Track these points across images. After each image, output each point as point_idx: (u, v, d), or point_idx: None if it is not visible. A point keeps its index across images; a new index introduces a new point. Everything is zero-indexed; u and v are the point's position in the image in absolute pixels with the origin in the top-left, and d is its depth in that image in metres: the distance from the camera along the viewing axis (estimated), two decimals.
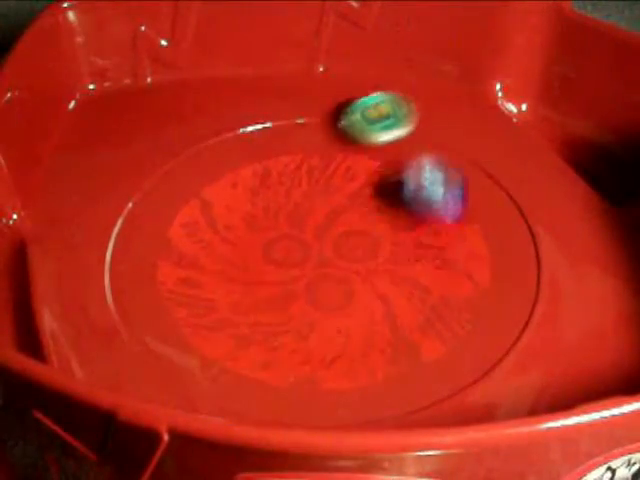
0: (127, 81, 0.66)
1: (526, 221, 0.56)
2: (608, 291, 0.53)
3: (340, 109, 0.61)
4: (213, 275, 0.53)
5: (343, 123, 0.59)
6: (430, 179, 0.54)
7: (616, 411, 0.37)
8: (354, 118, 0.59)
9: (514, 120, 0.66)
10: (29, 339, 0.49)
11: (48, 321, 0.49)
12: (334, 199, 0.58)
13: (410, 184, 0.55)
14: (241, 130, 0.62)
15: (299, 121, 0.63)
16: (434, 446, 0.36)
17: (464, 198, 0.55)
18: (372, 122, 0.58)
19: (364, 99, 0.60)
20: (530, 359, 0.49)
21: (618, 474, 0.40)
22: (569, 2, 0.64)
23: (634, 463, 0.40)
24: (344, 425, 0.46)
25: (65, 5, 0.63)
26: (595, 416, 0.37)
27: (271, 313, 0.51)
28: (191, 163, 0.60)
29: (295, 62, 0.67)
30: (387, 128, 0.58)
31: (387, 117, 0.58)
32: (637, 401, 0.37)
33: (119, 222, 0.55)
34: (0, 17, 0.76)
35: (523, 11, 0.65)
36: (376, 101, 0.59)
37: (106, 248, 0.54)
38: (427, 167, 0.55)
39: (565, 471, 0.39)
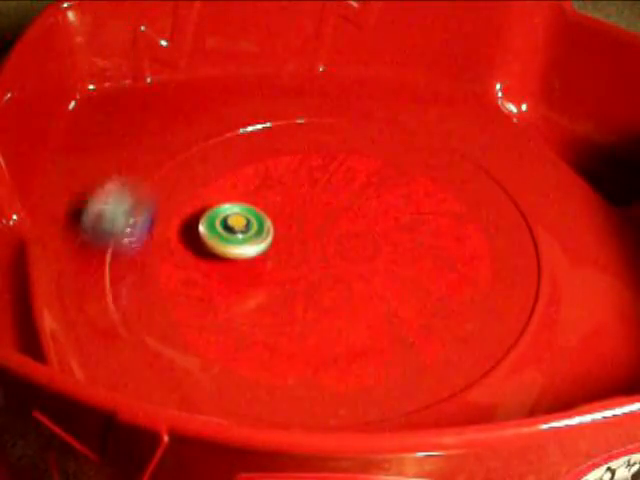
0: (127, 81, 0.66)
1: (526, 221, 0.57)
2: (608, 291, 0.53)
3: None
4: (213, 276, 0.53)
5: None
6: (112, 208, 0.51)
7: (616, 411, 0.37)
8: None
9: (514, 120, 0.66)
10: (29, 339, 0.49)
11: (48, 321, 0.49)
12: (334, 199, 0.58)
13: (90, 213, 0.52)
14: (241, 130, 0.62)
15: (299, 121, 0.63)
16: (434, 446, 0.36)
17: (150, 226, 0.53)
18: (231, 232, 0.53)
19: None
20: (530, 359, 0.49)
21: (618, 474, 0.40)
22: (569, 2, 0.64)
23: (634, 463, 0.40)
24: (344, 425, 0.46)
25: (65, 5, 0.62)
26: (595, 416, 0.37)
27: (271, 313, 0.51)
28: (191, 163, 0.60)
29: (295, 62, 0.67)
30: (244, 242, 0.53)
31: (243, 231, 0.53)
32: (637, 401, 0.37)
33: None
34: (0, 17, 0.76)
35: (523, 11, 0.65)
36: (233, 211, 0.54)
37: (106, 248, 0.54)
38: (111, 194, 0.52)
39: (565, 471, 0.39)
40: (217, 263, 0.54)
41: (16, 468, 0.44)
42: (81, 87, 0.65)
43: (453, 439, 0.36)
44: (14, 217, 0.55)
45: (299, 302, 0.52)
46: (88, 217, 0.52)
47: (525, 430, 0.37)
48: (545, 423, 0.37)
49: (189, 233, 0.55)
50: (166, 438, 0.36)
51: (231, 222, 0.53)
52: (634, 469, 0.41)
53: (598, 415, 0.37)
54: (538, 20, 0.64)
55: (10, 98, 0.56)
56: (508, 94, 0.66)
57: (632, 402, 0.37)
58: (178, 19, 0.64)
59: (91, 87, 0.65)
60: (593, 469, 0.39)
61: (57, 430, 0.38)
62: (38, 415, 0.38)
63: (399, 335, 0.50)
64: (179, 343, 0.50)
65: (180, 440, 0.36)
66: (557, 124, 0.65)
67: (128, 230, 0.52)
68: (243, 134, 0.62)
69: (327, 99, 0.65)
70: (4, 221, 0.54)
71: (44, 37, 0.61)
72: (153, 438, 0.36)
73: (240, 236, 0.52)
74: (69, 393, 0.37)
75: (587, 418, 0.37)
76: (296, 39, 0.66)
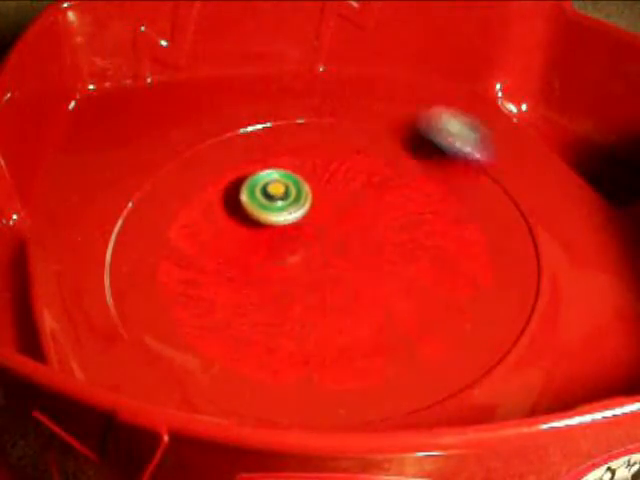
0: (127, 81, 0.66)
1: (526, 221, 0.57)
2: (608, 291, 0.53)
3: None
4: (213, 275, 0.53)
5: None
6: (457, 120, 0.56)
7: (616, 411, 0.37)
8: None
9: (514, 120, 0.66)
10: (29, 339, 0.49)
11: (48, 321, 0.49)
12: (334, 199, 0.58)
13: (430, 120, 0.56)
14: (241, 130, 0.62)
15: (299, 121, 0.63)
16: (434, 446, 0.36)
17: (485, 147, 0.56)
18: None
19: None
20: (530, 359, 0.49)
21: (618, 474, 0.40)
22: (569, 2, 0.64)
23: (634, 463, 0.40)
24: (344, 425, 0.46)
25: (65, 5, 0.62)
26: (595, 416, 0.37)
27: (271, 313, 0.51)
28: (191, 163, 0.60)
29: (295, 62, 0.67)
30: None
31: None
32: (637, 401, 0.37)
33: (119, 222, 0.55)
34: (0, 17, 0.76)
35: (523, 11, 0.65)
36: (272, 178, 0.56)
37: (106, 248, 0.54)
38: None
39: (565, 471, 0.39)
40: (217, 263, 0.54)
41: (16, 468, 0.44)
42: (81, 87, 0.65)
43: (453, 439, 0.36)
44: (14, 217, 0.55)
45: (299, 302, 0.52)
46: (430, 120, 0.57)
47: (525, 430, 0.37)
48: (545, 423, 0.37)
49: (190, 233, 0.55)
50: (166, 438, 0.36)
51: (271, 189, 0.54)
52: (634, 469, 0.41)
53: (598, 415, 0.37)
54: (538, 20, 0.64)
55: (10, 98, 0.56)
56: (508, 94, 0.66)
57: (632, 402, 0.37)
58: (178, 19, 0.64)
59: (91, 87, 0.65)
60: (593, 469, 0.39)
61: (57, 430, 0.38)
62: (38, 415, 0.38)
63: (399, 335, 0.50)
64: (179, 343, 0.50)
65: (180, 440, 0.36)
66: (557, 124, 0.65)
67: (472, 139, 0.56)
68: (243, 134, 0.62)
69: (327, 99, 0.65)
70: (4, 221, 0.54)
71: (44, 37, 0.61)
72: (153, 438, 0.36)
73: (279, 203, 0.54)
74: (69, 393, 0.37)
75: (587, 418, 0.37)
76: (296, 39, 0.66)
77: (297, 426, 0.45)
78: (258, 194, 0.54)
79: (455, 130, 0.57)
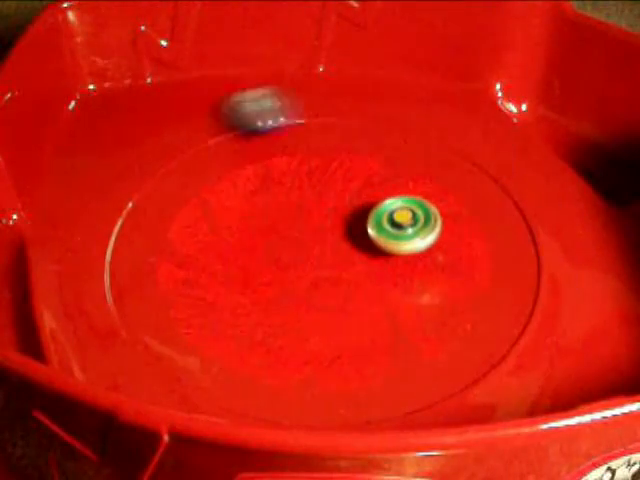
0: (127, 81, 0.66)
1: (526, 221, 0.56)
2: (608, 291, 0.53)
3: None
4: (213, 276, 0.53)
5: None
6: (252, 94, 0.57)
7: (616, 411, 0.37)
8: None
9: (514, 120, 0.66)
10: (29, 339, 0.49)
11: (48, 321, 0.49)
12: (334, 199, 0.58)
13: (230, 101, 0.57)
14: None
15: (299, 121, 0.63)
16: (434, 446, 0.36)
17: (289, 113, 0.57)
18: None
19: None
20: (530, 359, 0.49)
21: (618, 474, 0.40)
22: (569, 2, 0.64)
23: (634, 463, 0.40)
24: (344, 425, 0.46)
25: (65, 5, 0.63)
26: (595, 416, 0.37)
27: (271, 313, 0.51)
28: (191, 163, 0.60)
29: (295, 62, 0.67)
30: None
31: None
32: (637, 401, 0.37)
33: (119, 222, 0.55)
34: (0, 17, 0.76)
35: (523, 11, 0.65)
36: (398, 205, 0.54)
37: (106, 248, 0.54)
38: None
39: (565, 471, 0.39)
40: (217, 263, 0.54)
41: (16, 468, 0.44)
42: (81, 87, 0.65)
43: (453, 439, 0.36)
44: (14, 217, 0.55)
45: (299, 302, 0.52)
46: (229, 103, 0.56)
47: (525, 430, 0.37)
48: (545, 423, 0.37)
49: (190, 233, 0.55)
50: (166, 438, 0.36)
51: (398, 218, 0.53)
52: (634, 469, 0.41)
53: (598, 415, 0.37)
54: (538, 20, 0.64)
55: (10, 98, 0.56)
56: (508, 94, 0.66)
57: (632, 402, 0.37)
58: (178, 19, 0.64)
59: (91, 87, 0.65)
60: (593, 469, 0.39)
61: (57, 430, 0.38)
62: (38, 415, 0.38)
63: (399, 335, 0.50)
64: (179, 343, 0.50)
65: (180, 440, 0.36)
66: (557, 124, 0.65)
67: (269, 110, 0.56)
68: (243, 134, 0.62)
69: (327, 99, 0.64)
70: (4, 221, 0.54)
71: (44, 37, 0.61)
72: (153, 438, 0.36)
73: (410, 230, 0.52)
74: (69, 393, 0.37)
75: (587, 418, 0.37)
76: (296, 39, 0.66)
77: (297, 426, 0.45)
78: (386, 224, 0.53)
79: (252, 109, 0.57)
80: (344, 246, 0.55)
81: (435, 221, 0.53)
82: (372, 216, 0.53)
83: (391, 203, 0.54)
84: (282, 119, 0.58)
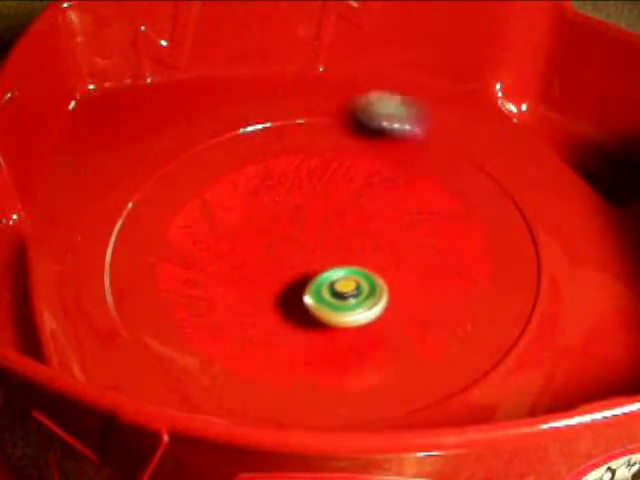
0: (127, 81, 0.66)
1: (526, 221, 0.56)
2: (608, 291, 0.53)
3: None
4: (213, 275, 0.53)
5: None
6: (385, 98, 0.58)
7: (616, 411, 0.37)
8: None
9: (514, 120, 0.66)
10: (29, 339, 0.49)
11: (48, 321, 0.49)
12: (334, 199, 0.58)
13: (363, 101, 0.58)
14: (241, 130, 0.62)
15: (299, 121, 0.63)
16: (434, 446, 0.36)
17: (422, 120, 0.58)
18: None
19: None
20: (530, 359, 0.49)
21: (618, 474, 0.40)
22: (569, 2, 0.64)
23: (634, 463, 0.40)
24: (344, 425, 0.46)
25: (65, 5, 0.63)
26: (595, 416, 0.37)
27: (271, 313, 0.51)
28: (191, 163, 0.60)
29: (295, 62, 0.67)
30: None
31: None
32: (637, 401, 0.37)
33: (119, 222, 0.55)
34: (0, 17, 0.76)
35: (523, 11, 0.65)
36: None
37: (106, 248, 0.54)
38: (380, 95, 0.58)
39: (565, 471, 0.39)
40: (217, 263, 0.54)
41: (16, 468, 0.45)
42: (81, 87, 0.65)
43: (453, 439, 0.36)
44: (14, 217, 0.55)
45: (299, 302, 0.52)
46: (362, 104, 0.58)
47: (525, 430, 0.37)
48: (545, 423, 0.37)
49: (190, 233, 0.55)
50: (166, 438, 0.36)
51: (339, 287, 0.49)
52: (634, 469, 0.41)
53: (598, 415, 0.37)
54: (538, 20, 0.64)
55: (10, 98, 0.56)
56: (508, 94, 0.66)
57: (632, 402, 0.37)
58: (178, 19, 0.64)
59: (91, 87, 0.65)
60: (593, 469, 0.39)
61: (57, 430, 0.38)
62: (38, 415, 0.38)
63: (399, 335, 0.50)
64: (179, 343, 0.50)
65: (180, 440, 0.36)
66: (557, 124, 0.65)
67: (401, 116, 0.57)
68: (243, 134, 0.62)
69: (327, 99, 0.65)
70: (4, 221, 0.54)
71: (44, 37, 0.61)
72: (153, 438, 0.36)
73: (352, 301, 0.49)
74: (69, 393, 0.37)
75: (587, 418, 0.37)
76: (296, 39, 0.66)
77: (297, 426, 0.45)
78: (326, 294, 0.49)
79: (388, 111, 0.59)
80: (345, 246, 0.55)
81: (381, 292, 0.49)
82: (311, 286, 0.50)
83: (333, 273, 0.50)
84: (408, 126, 0.59)
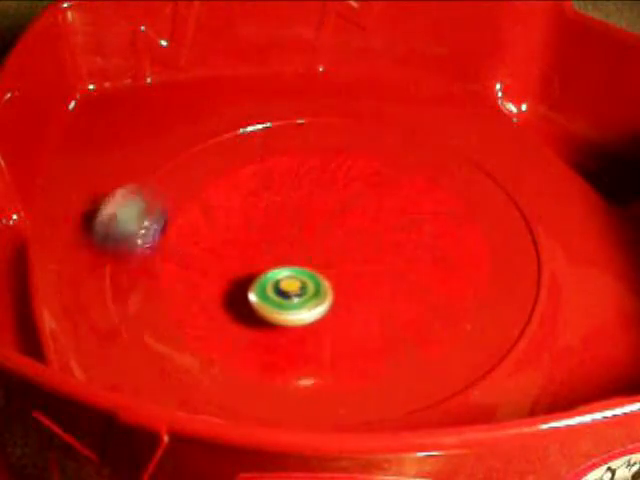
0: (127, 81, 0.66)
1: (526, 221, 0.56)
2: (608, 291, 0.53)
3: None
4: (213, 275, 0.53)
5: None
6: (125, 211, 0.51)
7: (616, 411, 0.37)
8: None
9: (514, 120, 0.66)
10: (29, 339, 0.49)
11: (48, 321, 0.49)
12: (334, 199, 0.58)
13: (102, 216, 0.52)
14: (241, 130, 0.62)
15: (299, 121, 0.63)
16: (434, 447, 0.36)
17: (163, 229, 0.53)
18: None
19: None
20: (530, 359, 0.49)
21: (618, 474, 0.40)
22: (570, 2, 0.64)
23: (634, 463, 0.40)
24: (344, 425, 0.46)
25: (65, 5, 0.62)
26: (595, 416, 0.37)
27: None
28: (191, 163, 0.59)
29: (295, 62, 0.67)
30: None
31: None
32: (637, 401, 0.37)
33: None
34: (0, 17, 0.76)
35: (523, 11, 0.65)
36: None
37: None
38: (123, 198, 0.52)
39: (565, 471, 0.39)
40: (217, 263, 0.54)
41: (16, 468, 0.44)
42: (81, 87, 0.65)
43: (453, 439, 0.36)
44: (14, 217, 0.55)
45: None
46: (101, 220, 0.52)
47: (525, 430, 0.37)
48: (545, 423, 0.37)
49: (189, 233, 0.55)
50: (166, 438, 0.36)
51: (284, 286, 0.49)
52: (634, 469, 0.41)
53: (598, 415, 0.37)
54: (538, 20, 0.64)
55: (10, 98, 0.56)
56: (508, 94, 0.66)
57: (632, 402, 0.37)
58: (178, 19, 0.64)
59: (91, 87, 0.65)
60: (593, 469, 0.39)
61: (57, 430, 0.38)
62: (38, 415, 0.38)
63: (399, 335, 0.50)
64: (179, 343, 0.50)
65: (180, 440, 0.36)
66: (557, 124, 0.65)
67: (141, 232, 0.52)
68: (243, 134, 0.62)
69: (327, 99, 0.65)
70: (4, 221, 0.54)
71: (44, 37, 0.61)
72: (153, 438, 0.36)
73: (296, 300, 0.48)
74: (69, 393, 0.37)
75: (587, 418, 0.37)
76: (296, 39, 0.66)
77: (297, 426, 0.45)
78: (270, 292, 0.49)
79: (122, 231, 0.52)
80: (345, 246, 0.55)
81: (325, 293, 0.49)
82: (256, 283, 0.49)
83: (278, 272, 0.50)
84: (156, 226, 0.53)
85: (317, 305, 0.48)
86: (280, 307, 0.48)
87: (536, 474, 0.38)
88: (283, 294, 0.48)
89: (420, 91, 0.65)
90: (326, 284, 0.49)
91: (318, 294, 0.49)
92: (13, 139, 0.56)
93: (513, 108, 0.66)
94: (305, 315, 0.48)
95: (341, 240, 0.55)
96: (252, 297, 0.49)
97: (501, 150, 0.62)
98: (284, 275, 0.50)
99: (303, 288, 0.49)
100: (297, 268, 0.50)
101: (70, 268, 0.53)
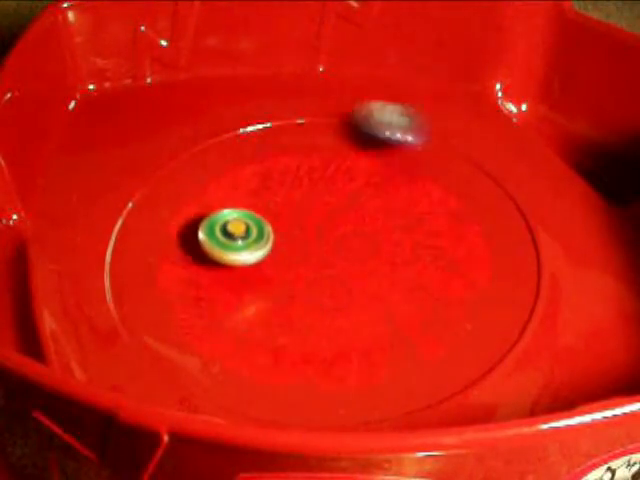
0: (127, 81, 0.66)
1: (526, 221, 0.57)
2: (608, 291, 0.53)
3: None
4: (213, 276, 0.53)
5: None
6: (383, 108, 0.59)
7: (616, 411, 0.37)
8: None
9: (514, 120, 0.66)
10: (29, 339, 0.49)
11: (48, 321, 0.49)
12: (334, 199, 0.58)
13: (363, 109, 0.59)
14: (241, 130, 0.62)
15: (299, 121, 0.63)
16: (434, 446, 0.36)
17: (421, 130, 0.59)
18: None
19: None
20: (530, 359, 0.49)
21: (618, 474, 0.40)
22: (570, 2, 0.64)
23: (634, 463, 0.40)
24: (344, 425, 0.46)
25: (65, 5, 0.62)
26: (595, 416, 0.37)
27: (271, 313, 0.51)
28: (191, 163, 0.60)
29: (295, 62, 0.67)
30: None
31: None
32: (637, 401, 0.37)
33: (119, 222, 0.55)
34: (0, 17, 0.76)
35: (523, 11, 0.65)
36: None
37: (106, 248, 0.54)
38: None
39: (565, 471, 0.39)
40: (217, 264, 0.54)
41: (16, 468, 0.44)
42: (81, 87, 0.65)
43: (453, 439, 0.36)
44: (14, 217, 0.55)
45: (299, 302, 0.52)
46: (363, 112, 0.59)
47: (525, 430, 0.37)
48: (545, 423, 0.37)
49: (190, 233, 0.55)
50: (166, 438, 0.36)
51: (231, 228, 0.52)
52: (634, 469, 0.41)
53: (598, 415, 0.37)
54: (538, 20, 0.64)
55: (10, 98, 0.56)
56: (508, 94, 0.66)
57: (632, 402, 0.37)
58: (178, 19, 0.64)
59: (91, 87, 0.65)
60: (593, 469, 0.39)
61: (57, 430, 0.38)
62: (38, 415, 0.38)
63: (399, 335, 0.50)
64: (179, 343, 0.50)
65: (180, 440, 0.36)
66: (557, 124, 0.65)
67: (402, 126, 0.58)
68: (243, 134, 0.62)
69: (327, 99, 0.65)
70: (4, 221, 0.54)
71: (44, 37, 0.61)
72: (153, 438, 0.36)
73: (240, 242, 0.52)
74: (69, 393, 0.37)
75: (587, 418, 0.37)
76: (296, 39, 0.66)
77: (297, 426, 0.45)
78: (218, 233, 0.52)
79: (390, 120, 0.59)
80: (344, 246, 0.55)
81: (267, 238, 0.53)
82: (205, 224, 0.53)
83: (227, 214, 0.53)
84: (409, 137, 0.59)
85: (259, 249, 0.52)
86: (225, 247, 0.52)
87: (536, 474, 0.38)
88: (229, 235, 0.52)
89: (420, 91, 0.65)
90: (269, 228, 0.53)
91: (261, 238, 0.52)
92: (13, 139, 0.56)
93: (513, 108, 0.66)
94: (247, 257, 0.52)
95: (341, 240, 0.55)
96: (201, 235, 0.53)
97: (501, 150, 0.62)
98: (232, 217, 0.53)
99: (247, 231, 0.52)
100: (244, 211, 0.54)
101: (70, 268, 0.53)
